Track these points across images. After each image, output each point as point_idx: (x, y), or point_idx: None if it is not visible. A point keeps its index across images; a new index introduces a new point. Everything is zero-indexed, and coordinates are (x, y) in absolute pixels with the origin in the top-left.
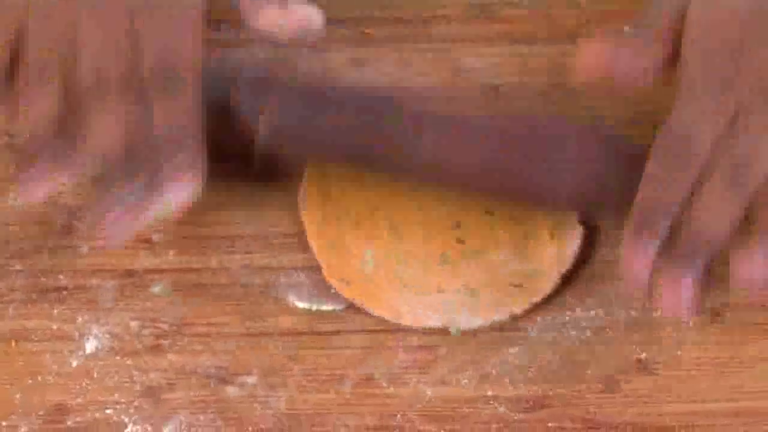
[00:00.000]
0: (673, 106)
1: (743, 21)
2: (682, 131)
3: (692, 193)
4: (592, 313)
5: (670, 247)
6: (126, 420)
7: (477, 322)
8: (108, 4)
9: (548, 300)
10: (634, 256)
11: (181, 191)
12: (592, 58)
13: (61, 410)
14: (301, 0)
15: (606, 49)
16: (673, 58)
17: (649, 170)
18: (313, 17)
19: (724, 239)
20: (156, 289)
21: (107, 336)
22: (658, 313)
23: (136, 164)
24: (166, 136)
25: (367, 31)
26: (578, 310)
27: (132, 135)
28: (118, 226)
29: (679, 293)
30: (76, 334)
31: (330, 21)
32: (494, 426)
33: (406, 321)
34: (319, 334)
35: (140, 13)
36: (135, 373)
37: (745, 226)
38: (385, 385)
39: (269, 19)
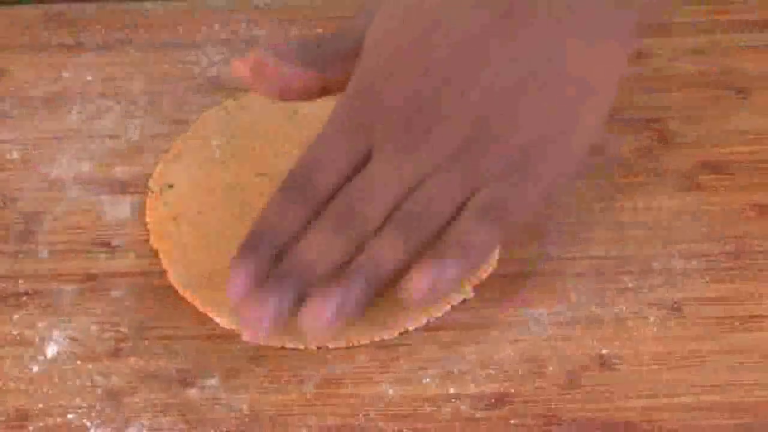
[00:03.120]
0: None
1: (387, 65)
2: (311, 165)
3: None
4: (553, 309)
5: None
6: (88, 424)
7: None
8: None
9: (509, 297)
10: (234, 275)
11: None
12: (246, 71)
13: (22, 416)
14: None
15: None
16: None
17: (274, 196)
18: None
19: (321, 271)
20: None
21: (68, 341)
22: (619, 308)
23: None
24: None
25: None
26: (539, 306)
27: None
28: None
29: (259, 312)
30: (37, 339)
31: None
32: (457, 424)
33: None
34: None
35: None
36: (96, 377)
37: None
38: (346, 385)
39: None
